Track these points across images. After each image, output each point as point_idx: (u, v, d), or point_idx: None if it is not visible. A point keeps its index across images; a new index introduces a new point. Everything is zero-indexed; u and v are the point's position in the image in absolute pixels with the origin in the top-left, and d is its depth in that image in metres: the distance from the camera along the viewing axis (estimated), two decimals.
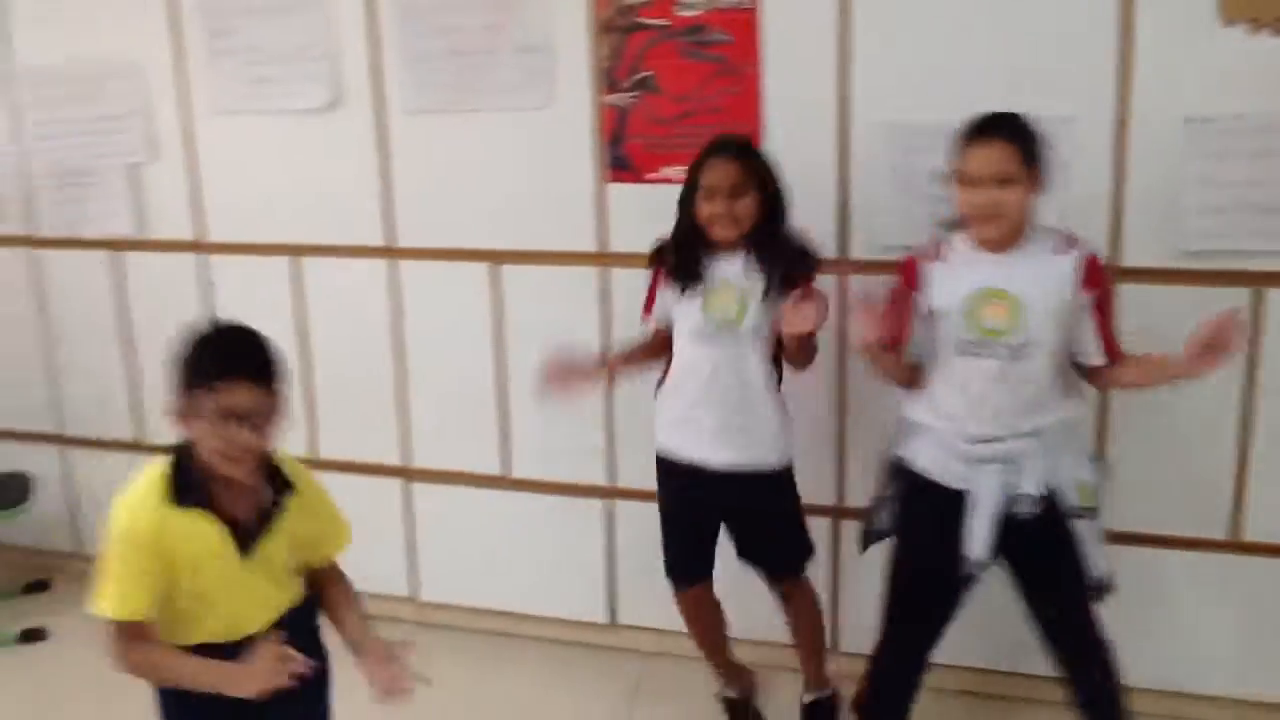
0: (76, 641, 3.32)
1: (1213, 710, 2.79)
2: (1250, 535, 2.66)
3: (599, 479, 3.11)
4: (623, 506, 3.11)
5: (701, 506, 2.63)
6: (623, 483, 3.09)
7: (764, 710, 2.86)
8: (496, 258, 3.03)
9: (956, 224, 2.29)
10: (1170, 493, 2.69)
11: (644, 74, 2.79)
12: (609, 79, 2.82)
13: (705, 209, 2.44)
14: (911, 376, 2.36)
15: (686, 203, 2.50)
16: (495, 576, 3.30)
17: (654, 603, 2.85)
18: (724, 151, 2.45)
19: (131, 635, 1.85)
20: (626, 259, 2.87)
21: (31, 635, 3.37)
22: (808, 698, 2.81)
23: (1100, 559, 2.24)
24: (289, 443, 2.02)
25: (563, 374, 2.56)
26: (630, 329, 2.75)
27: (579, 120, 2.86)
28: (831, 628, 2.94)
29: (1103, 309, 2.23)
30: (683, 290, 2.51)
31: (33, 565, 3.77)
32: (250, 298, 3.29)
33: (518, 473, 3.20)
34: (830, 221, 2.73)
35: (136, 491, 1.86)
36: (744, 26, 2.68)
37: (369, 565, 3.56)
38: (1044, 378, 2.21)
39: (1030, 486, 2.21)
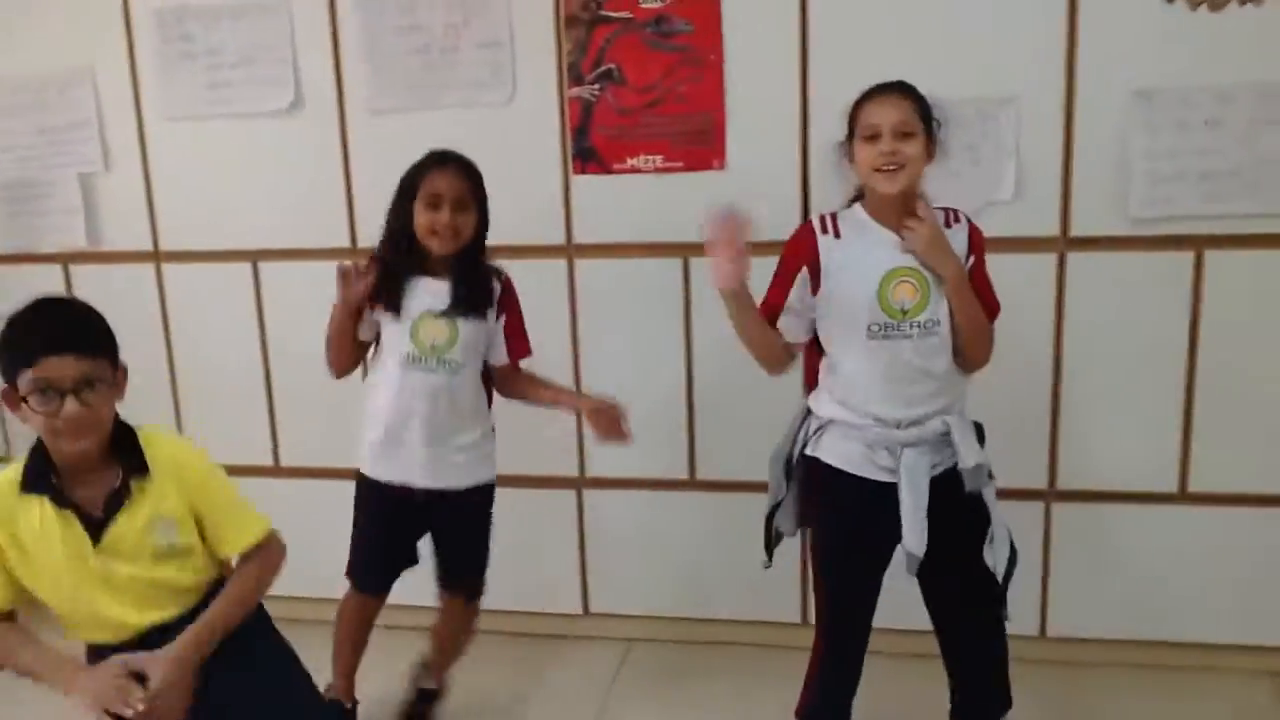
0: None
1: None
2: None
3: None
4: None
5: (404, 527, 2.56)
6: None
7: None
8: None
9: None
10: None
11: (608, 66, 2.85)
12: (574, 73, 2.87)
13: (427, 218, 2.35)
14: (782, 354, 2.20)
15: (400, 213, 2.39)
16: None
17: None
18: (452, 162, 2.38)
19: None
20: (593, 250, 2.96)
21: None
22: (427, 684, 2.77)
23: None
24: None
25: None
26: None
27: (544, 114, 2.91)
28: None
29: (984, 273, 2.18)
30: (388, 311, 2.42)
31: None
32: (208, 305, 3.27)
33: None
34: (793, 200, 2.81)
35: None
36: (706, 15, 2.76)
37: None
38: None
39: (967, 460, 2.09)
